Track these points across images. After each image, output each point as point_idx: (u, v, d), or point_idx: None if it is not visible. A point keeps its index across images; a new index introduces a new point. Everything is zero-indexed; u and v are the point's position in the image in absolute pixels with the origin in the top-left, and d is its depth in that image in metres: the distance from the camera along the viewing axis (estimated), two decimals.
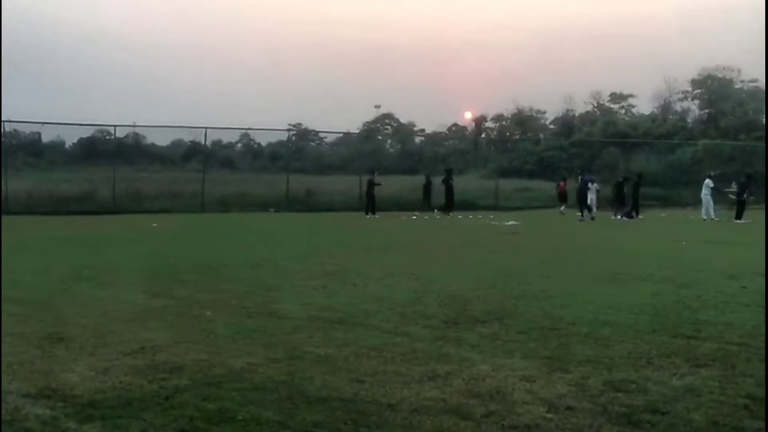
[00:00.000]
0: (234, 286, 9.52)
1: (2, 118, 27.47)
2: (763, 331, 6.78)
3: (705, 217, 24.62)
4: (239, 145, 55.67)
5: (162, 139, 45.85)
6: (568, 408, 4.61)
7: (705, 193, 25.53)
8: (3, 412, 4.44)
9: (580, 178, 24.57)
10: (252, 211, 29.56)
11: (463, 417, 4.43)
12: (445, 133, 71.10)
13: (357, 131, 56.21)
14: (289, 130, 46.71)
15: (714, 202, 26.01)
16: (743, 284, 9.69)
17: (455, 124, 76.14)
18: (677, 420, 4.40)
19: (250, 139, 53.75)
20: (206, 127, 32.98)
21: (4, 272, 9.59)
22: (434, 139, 62.76)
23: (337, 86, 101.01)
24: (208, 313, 7.59)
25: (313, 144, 58.93)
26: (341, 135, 47.62)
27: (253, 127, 55.16)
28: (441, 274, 10.87)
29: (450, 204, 28.32)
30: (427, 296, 8.74)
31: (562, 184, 30.06)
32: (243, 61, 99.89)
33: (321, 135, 58.79)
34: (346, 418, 4.39)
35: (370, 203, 27.00)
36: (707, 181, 25.99)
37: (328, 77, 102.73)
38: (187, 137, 43.47)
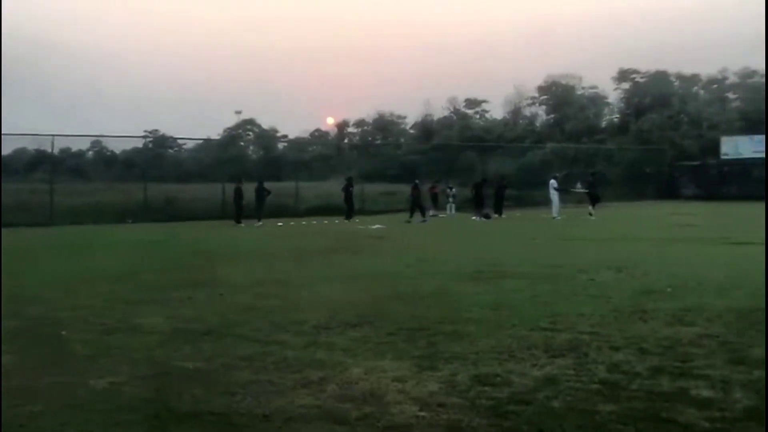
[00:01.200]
0: (92, 301, 9.00)
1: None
2: (610, 320, 7.35)
3: (555, 215, 26.18)
4: (90, 153, 52.67)
5: (3, 149, 42.31)
6: (440, 405, 4.76)
7: (552, 193, 27.20)
8: None
9: (416, 183, 25.06)
10: (107, 222, 28.09)
11: (338, 422, 4.46)
12: (308, 139, 71.18)
13: (218, 137, 54.97)
14: (145, 137, 44.81)
15: (560, 201, 27.83)
16: (591, 277, 10.43)
17: (318, 130, 76.47)
18: (539, 408, 4.66)
19: (102, 147, 51.02)
20: (53, 135, 30.90)
21: None
22: (297, 144, 62.61)
23: (194, 92, 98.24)
24: (64, 333, 7.14)
25: (171, 151, 56.83)
26: (201, 141, 46.23)
27: (105, 134, 52.49)
28: (310, 279, 10.86)
29: (350, 210, 27.91)
30: (296, 303, 8.71)
31: (433, 187, 30.99)
32: (94, 64, 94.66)
33: (180, 141, 56.77)
34: None
35: (240, 211, 26.51)
36: (552, 181, 27.75)
37: (185, 83, 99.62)
38: (31, 145, 40.53)
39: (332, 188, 33.22)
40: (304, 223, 25.88)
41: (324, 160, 52.69)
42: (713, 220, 23.08)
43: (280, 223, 26.10)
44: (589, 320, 7.34)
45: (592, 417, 4.48)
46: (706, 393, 4.92)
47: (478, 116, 69.79)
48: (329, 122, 74.33)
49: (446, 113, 69.75)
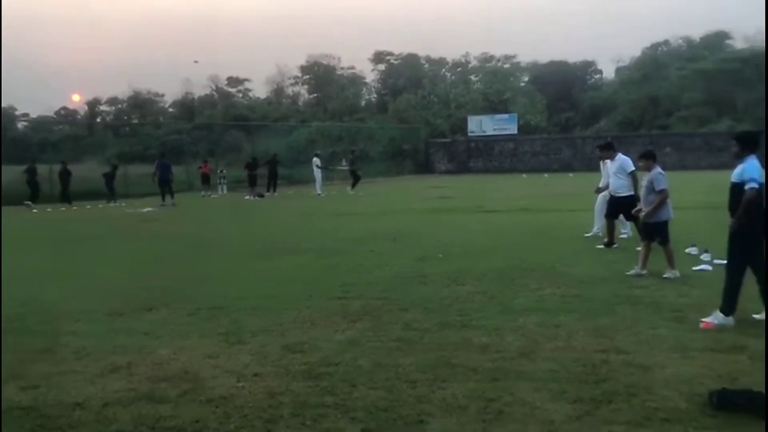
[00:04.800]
0: None
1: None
2: (396, 285, 8.04)
3: (319, 192, 26.97)
4: None
5: None
6: (256, 374, 4.99)
7: (315, 171, 28.02)
8: None
9: (157, 163, 24.18)
10: None
11: (158, 401, 4.50)
12: (54, 118, 65.24)
13: None
14: None
15: (325, 179, 28.82)
16: (371, 248, 11.16)
17: (65, 108, 70.41)
18: (348, 368, 5.09)
19: None
20: None
21: None
22: (41, 124, 57.03)
23: None
24: None
25: None
26: None
27: None
28: (91, 267, 10.31)
29: (112, 194, 26.69)
30: (80, 292, 8.28)
31: (204, 167, 30.20)
32: None
33: None
34: (32, 426, 4.14)
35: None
36: (315, 159, 28.59)
37: None
38: None
39: (88, 171, 30.98)
40: (63, 209, 23.91)
41: (74, 141, 48.65)
42: (466, 192, 25.45)
43: (35, 210, 23.83)
44: (377, 287, 7.97)
45: (396, 369, 5.00)
46: (484, 339, 5.70)
47: (241, 95, 69.03)
48: (75, 99, 68.71)
49: (208, 91, 68.06)
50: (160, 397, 4.58)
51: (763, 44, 36.68)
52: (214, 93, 68.26)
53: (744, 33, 53.12)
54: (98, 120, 65.06)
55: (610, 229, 10.60)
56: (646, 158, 8.36)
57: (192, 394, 4.63)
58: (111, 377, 5.00)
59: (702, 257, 9.03)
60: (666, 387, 4.47)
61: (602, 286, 7.69)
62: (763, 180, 5.87)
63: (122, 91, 68.92)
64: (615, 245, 10.47)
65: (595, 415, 4.07)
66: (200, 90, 67.85)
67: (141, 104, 67.87)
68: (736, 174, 6.03)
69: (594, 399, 4.30)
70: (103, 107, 70.23)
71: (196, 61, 59.42)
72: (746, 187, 5.84)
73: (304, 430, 4.00)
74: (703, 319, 5.97)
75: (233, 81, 69.19)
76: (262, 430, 4.03)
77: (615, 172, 10.24)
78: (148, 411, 4.34)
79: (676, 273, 8.04)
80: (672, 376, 4.68)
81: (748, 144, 6.10)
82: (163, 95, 69.96)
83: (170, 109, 68.98)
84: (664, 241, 8.15)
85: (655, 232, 8.22)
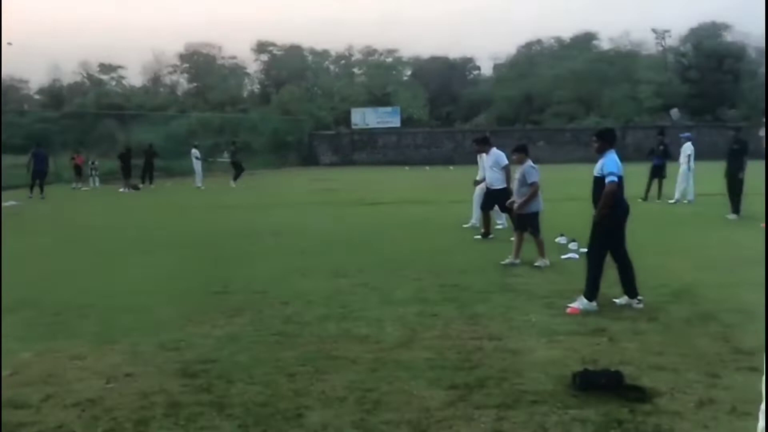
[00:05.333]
0: None
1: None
2: (278, 279, 7.95)
3: (199, 185, 26.21)
4: None
5: None
6: (128, 375, 4.80)
7: (194, 163, 27.22)
8: None
9: (32, 153, 22.75)
10: None
11: (19, 406, 4.24)
12: None
13: None
14: None
15: (205, 171, 28.08)
16: (252, 242, 10.99)
17: None
18: (226, 364, 5.00)
19: None
20: None
21: None
22: None
23: None
24: None
25: None
26: None
27: None
28: None
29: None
30: None
31: (76, 157, 28.53)
32: None
33: None
34: None
35: None
36: (193, 150, 27.76)
37: None
38: None
39: None
40: None
41: None
42: (350, 185, 25.54)
43: None
44: (257, 281, 7.85)
45: (276, 363, 4.96)
46: (365, 331, 5.76)
47: (114, 83, 65.76)
48: None
49: (78, 78, 64.41)
50: (22, 402, 4.31)
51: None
52: (86, 80, 64.70)
53: (609, 35, 56.50)
54: None
55: (486, 221, 10.97)
56: (519, 152, 8.71)
57: (56, 398, 4.38)
58: None
59: (570, 246, 9.53)
60: (534, 370, 4.69)
61: (479, 276, 7.96)
62: (621, 173, 6.28)
63: None
64: (491, 236, 10.85)
65: (469, 400, 4.20)
66: (70, 77, 64.15)
67: (3, 91, 63.25)
68: (597, 168, 6.42)
69: (468, 384, 4.44)
70: None
71: (9, 43, 55.12)
72: (606, 180, 6.23)
73: (177, 430, 3.88)
74: (569, 305, 6.31)
75: (106, 68, 65.62)
76: None
77: (490, 165, 10.59)
78: (7, 417, 4.07)
79: (547, 262, 8.46)
80: (540, 359, 4.92)
81: (607, 140, 6.50)
82: (27, 81, 65.61)
83: (36, 96, 64.80)
84: (535, 231, 8.54)
85: (527, 222, 8.59)
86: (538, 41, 60.21)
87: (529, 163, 8.58)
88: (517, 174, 8.77)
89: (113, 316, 6.42)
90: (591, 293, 6.30)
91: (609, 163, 6.30)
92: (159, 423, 3.97)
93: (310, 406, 4.17)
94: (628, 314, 6.11)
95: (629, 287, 6.39)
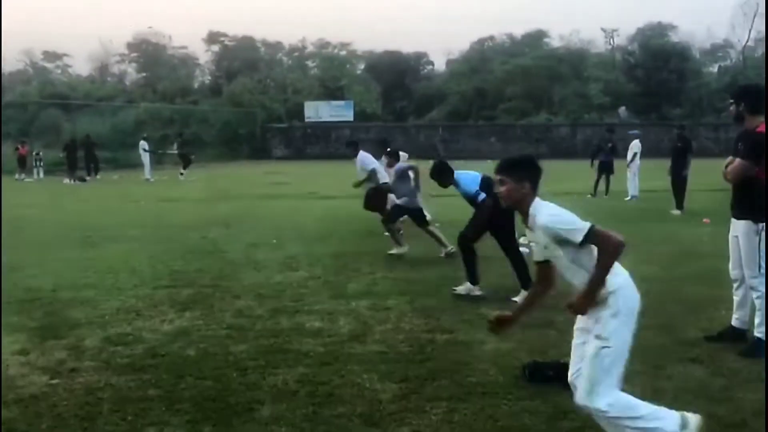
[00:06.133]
0: None
1: None
2: (228, 272, 7.86)
3: (148, 177, 25.74)
4: None
5: None
6: (72, 370, 4.68)
7: (143, 155, 26.70)
8: None
9: None
10: None
11: None
12: None
13: None
14: None
15: (154, 163, 27.58)
16: (203, 235, 10.83)
17: None
18: (176, 358, 4.92)
19: None
20: None
21: None
22: None
23: None
24: None
25: None
26: None
27: None
28: None
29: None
30: None
31: (21, 148, 27.68)
32: None
33: None
34: None
35: None
36: (141, 142, 27.23)
37: None
38: None
39: None
40: None
41: None
42: (302, 178, 25.38)
43: None
44: (208, 274, 7.76)
45: (226, 358, 4.91)
46: (317, 324, 5.74)
47: (59, 71, 63.91)
48: None
49: (21, 66, 62.37)
50: None
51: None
52: (29, 68, 62.74)
53: (559, 32, 57.37)
54: None
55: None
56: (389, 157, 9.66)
57: None
58: None
59: (520, 240, 9.65)
60: (485, 362, 4.75)
61: (430, 269, 8.01)
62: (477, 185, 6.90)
63: None
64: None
65: (420, 392, 4.23)
66: (12, 65, 62.01)
67: None
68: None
69: (419, 377, 4.47)
70: None
71: None
72: (479, 200, 6.89)
73: (124, 426, 3.81)
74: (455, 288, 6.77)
75: (50, 56, 63.76)
76: (77, 429, 3.78)
77: (358, 170, 10.36)
78: None
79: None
80: (491, 351, 4.98)
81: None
82: None
83: None
84: (393, 218, 9.02)
85: (403, 213, 9.13)
86: (491, 37, 60.68)
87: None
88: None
89: (58, 310, 6.26)
90: (473, 278, 6.84)
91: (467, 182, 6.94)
92: (105, 419, 3.88)
93: (261, 400, 4.13)
94: None
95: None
